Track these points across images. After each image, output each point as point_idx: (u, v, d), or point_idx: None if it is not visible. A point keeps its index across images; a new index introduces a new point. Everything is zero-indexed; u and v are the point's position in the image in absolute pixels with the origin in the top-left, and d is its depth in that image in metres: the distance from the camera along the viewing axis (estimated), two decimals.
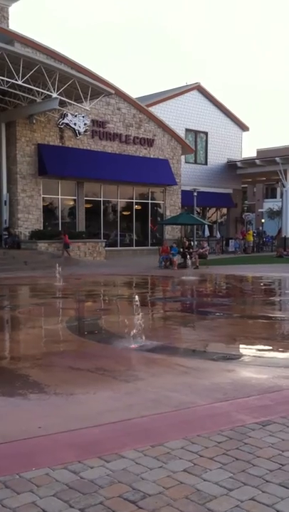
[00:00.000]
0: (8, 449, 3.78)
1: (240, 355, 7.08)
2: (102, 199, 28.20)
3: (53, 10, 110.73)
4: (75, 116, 25.72)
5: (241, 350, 7.53)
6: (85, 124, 26.22)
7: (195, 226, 29.75)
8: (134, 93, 30.32)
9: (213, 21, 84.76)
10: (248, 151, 75.71)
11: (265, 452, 3.68)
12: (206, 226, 31.84)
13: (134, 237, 29.95)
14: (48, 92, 21.24)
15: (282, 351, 7.37)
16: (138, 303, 7.42)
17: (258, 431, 4.07)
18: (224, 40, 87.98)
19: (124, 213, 29.58)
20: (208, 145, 36.71)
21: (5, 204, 24.36)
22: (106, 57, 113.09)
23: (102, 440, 3.94)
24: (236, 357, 6.83)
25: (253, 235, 35.68)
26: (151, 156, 29.58)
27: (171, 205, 30.88)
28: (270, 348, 7.62)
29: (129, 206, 29.64)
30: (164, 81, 71.74)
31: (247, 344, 8.00)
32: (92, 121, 26.68)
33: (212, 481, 3.25)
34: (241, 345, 7.93)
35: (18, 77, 20.02)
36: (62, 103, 22.33)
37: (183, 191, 31.22)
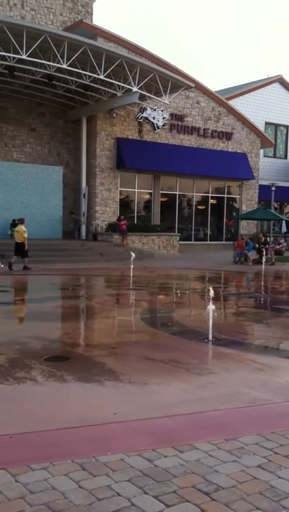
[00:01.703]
0: (84, 433, 3.91)
1: None
2: (177, 193, 28.21)
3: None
4: (154, 110, 25.84)
5: None
6: (163, 118, 26.30)
7: (271, 222, 29.09)
8: (211, 86, 29.98)
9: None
10: None
11: None
12: (284, 222, 31.00)
13: (209, 231, 29.74)
14: (128, 86, 21.48)
15: None
16: (211, 297, 7.38)
17: None
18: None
19: (199, 207, 29.43)
20: None
21: (84, 197, 24.95)
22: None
23: (176, 430, 3.99)
24: None
25: None
26: (229, 150, 29.21)
27: (247, 199, 30.39)
28: None
29: (204, 200, 29.47)
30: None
31: None
32: (171, 114, 26.71)
33: (287, 478, 3.22)
34: None
35: (100, 72, 20.38)
36: (141, 97, 22.51)
37: (260, 186, 30.61)
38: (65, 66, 19.67)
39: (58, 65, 19.74)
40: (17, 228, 16.81)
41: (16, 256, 16.24)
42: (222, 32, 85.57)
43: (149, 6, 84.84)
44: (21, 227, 16.51)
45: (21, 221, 17.06)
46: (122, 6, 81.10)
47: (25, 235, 16.26)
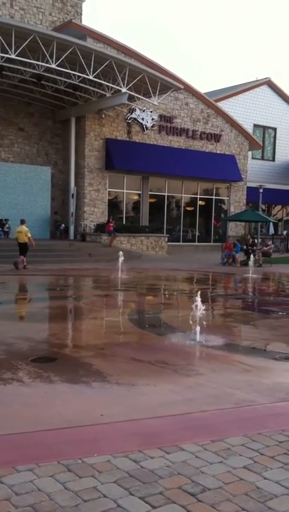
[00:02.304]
0: (71, 434, 3.90)
1: None
2: (166, 194, 28.24)
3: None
4: (143, 111, 25.85)
5: None
6: (152, 119, 26.32)
7: (259, 223, 29.23)
8: (201, 88, 30.05)
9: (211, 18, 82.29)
10: None
11: None
12: (271, 224, 31.16)
13: (197, 232, 29.81)
14: (117, 87, 21.47)
15: None
16: (199, 299, 7.40)
17: None
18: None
19: (188, 209, 29.48)
20: (277, 141, 35.92)
21: (72, 197, 24.89)
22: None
23: (163, 432, 3.99)
24: None
25: None
26: (218, 152, 29.30)
27: (235, 201, 30.51)
28: None
29: (193, 202, 29.53)
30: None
31: None
32: (160, 116, 26.74)
33: (273, 479, 3.23)
34: None
35: (89, 72, 20.35)
36: (131, 98, 22.51)
37: (248, 188, 30.74)
38: (54, 66, 19.61)
39: (47, 65, 19.68)
40: (19, 229, 17.15)
41: (23, 256, 16.75)
42: (214, 33, 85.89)
43: (142, 6, 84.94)
44: (23, 228, 16.99)
45: (22, 222, 17.42)
46: (112, 6, 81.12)
47: (29, 235, 16.86)
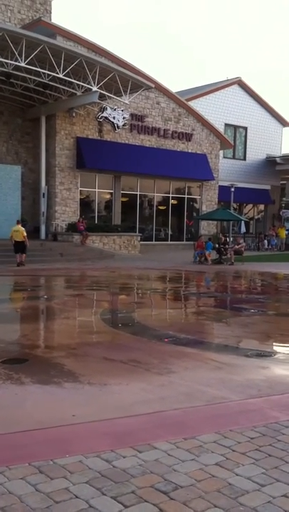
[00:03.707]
0: (43, 436, 3.86)
1: (275, 353, 7.00)
2: (138, 193, 28.24)
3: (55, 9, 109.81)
4: (114, 109, 25.79)
5: (276, 348, 7.45)
6: (123, 118, 26.27)
7: (231, 222, 29.49)
8: (172, 87, 30.16)
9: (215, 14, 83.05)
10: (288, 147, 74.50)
11: None
12: (243, 222, 31.48)
13: (170, 231, 29.90)
14: (88, 86, 21.36)
15: None
16: (172, 297, 7.42)
17: None
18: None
19: (160, 208, 29.55)
20: (248, 140, 36.27)
21: (43, 196, 24.68)
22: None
23: (135, 431, 3.98)
24: (271, 354, 6.76)
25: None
26: (190, 151, 29.43)
27: (207, 200, 30.70)
28: None
29: (165, 201, 29.60)
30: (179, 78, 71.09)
31: (282, 342, 7.91)
32: (131, 115, 26.71)
33: (244, 476, 3.25)
34: (276, 343, 7.85)
35: (59, 71, 20.19)
36: (101, 96, 22.44)
37: (220, 187, 30.97)
38: (23, 64, 19.39)
39: (16, 63, 19.44)
40: (15, 228, 18.51)
41: (21, 253, 18.13)
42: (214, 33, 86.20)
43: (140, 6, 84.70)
44: (20, 227, 18.49)
45: (18, 222, 19.26)
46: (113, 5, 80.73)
47: (25, 234, 18.34)
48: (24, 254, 18.15)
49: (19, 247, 18.16)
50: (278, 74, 79.29)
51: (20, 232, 18.20)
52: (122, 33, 76.03)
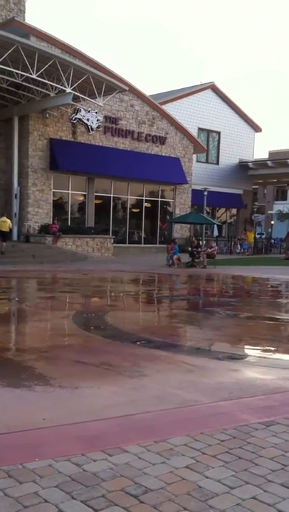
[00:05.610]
0: (12, 440, 3.80)
1: (246, 356, 7.06)
2: (112, 195, 28.22)
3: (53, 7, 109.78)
4: (88, 111, 25.73)
5: (247, 351, 7.52)
6: (97, 120, 26.24)
7: (204, 226, 29.71)
8: (147, 91, 30.26)
9: (212, 17, 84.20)
10: (260, 153, 75.53)
11: (268, 452, 3.68)
12: (216, 226, 31.79)
13: (143, 234, 29.95)
14: (62, 87, 21.26)
15: (288, 353, 7.35)
16: (144, 300, 7.42)
17: (262, 431, 4.06)
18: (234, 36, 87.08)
19: (134, 210, 29.58)
20: (221, 145, 36.63)
21: (15, 197, 24.45)
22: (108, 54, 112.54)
23: (106, 434, 3.96)
24: (242, 357, 6.81)
25: (256, 237, 35.37)
26: (163, 154, 29.55)
27: (181, 203, 30.86)
28: (276, 349, 7.60)
29: (138, 203, 29.65)
30: (169, 80, 71.35)
31: (253, 345, 7.98)
32: (105, 117, 26.69)
33: (214, 478, 3.26)
34: (247, 346, 7.92)
35: (33, 71, 20.05)
36: (75, 98, 22.36)
37: (193, 190, 31.17)
38: None
39: None
40: (3, 219, 21.04)
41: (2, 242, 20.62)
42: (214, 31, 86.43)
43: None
44: (6, 219, 21.07)
45: (3, 214, 21.50)
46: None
47: (11, 225, 21.70)
48: (4, 243, 20.62)
49: (5, 236, 20.79)
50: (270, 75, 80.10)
51: (8, 223, 20.89)
52: (117, 31, 75.95)
